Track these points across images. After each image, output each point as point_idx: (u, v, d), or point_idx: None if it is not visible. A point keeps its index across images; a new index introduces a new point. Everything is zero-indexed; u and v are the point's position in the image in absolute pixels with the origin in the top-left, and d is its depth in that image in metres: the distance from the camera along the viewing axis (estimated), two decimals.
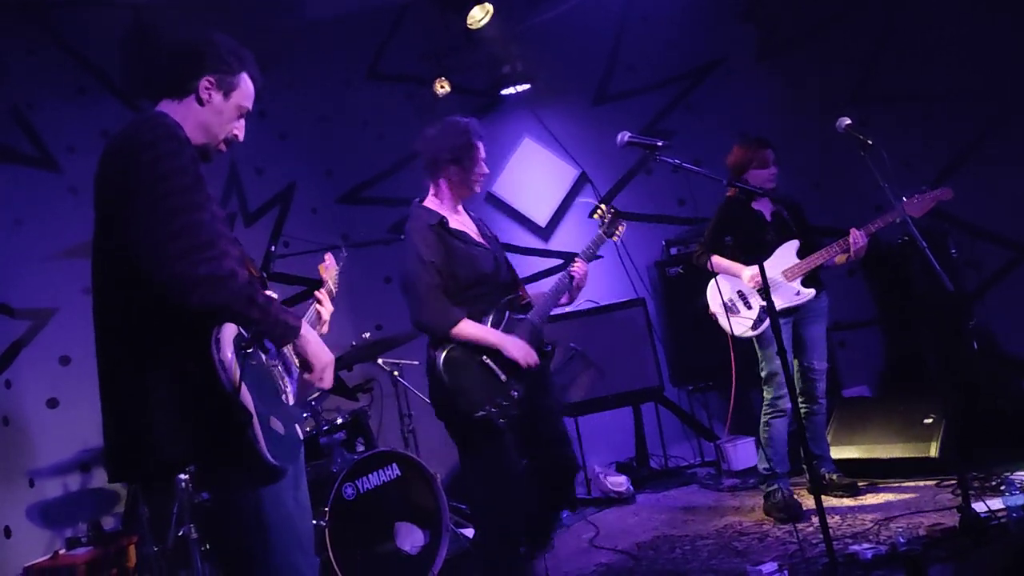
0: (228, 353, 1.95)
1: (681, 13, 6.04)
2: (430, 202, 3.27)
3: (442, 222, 3.17)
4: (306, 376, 2.26)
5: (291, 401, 2.24)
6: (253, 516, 2.08)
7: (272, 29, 5.47)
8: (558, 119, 6.12)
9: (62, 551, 4.31)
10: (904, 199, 3.80)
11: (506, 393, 3.08)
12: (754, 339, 4.18)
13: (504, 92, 5.85)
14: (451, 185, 3.23)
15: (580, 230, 6.12)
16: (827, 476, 4.23)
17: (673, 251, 5.83)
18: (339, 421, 4.44)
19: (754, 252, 4.14)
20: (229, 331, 1.98)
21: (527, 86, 5.82)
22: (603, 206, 3.50)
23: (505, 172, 6.08)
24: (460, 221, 3.27)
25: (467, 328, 3.08)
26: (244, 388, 1.94)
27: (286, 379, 2.25)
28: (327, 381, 2.26)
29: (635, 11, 6.08)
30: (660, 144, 3.12)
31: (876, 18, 5.75)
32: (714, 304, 4.29)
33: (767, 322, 4.05)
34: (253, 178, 5.76)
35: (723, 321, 4.16)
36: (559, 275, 3.39)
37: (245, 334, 2.03)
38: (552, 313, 4.77)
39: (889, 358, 5.70)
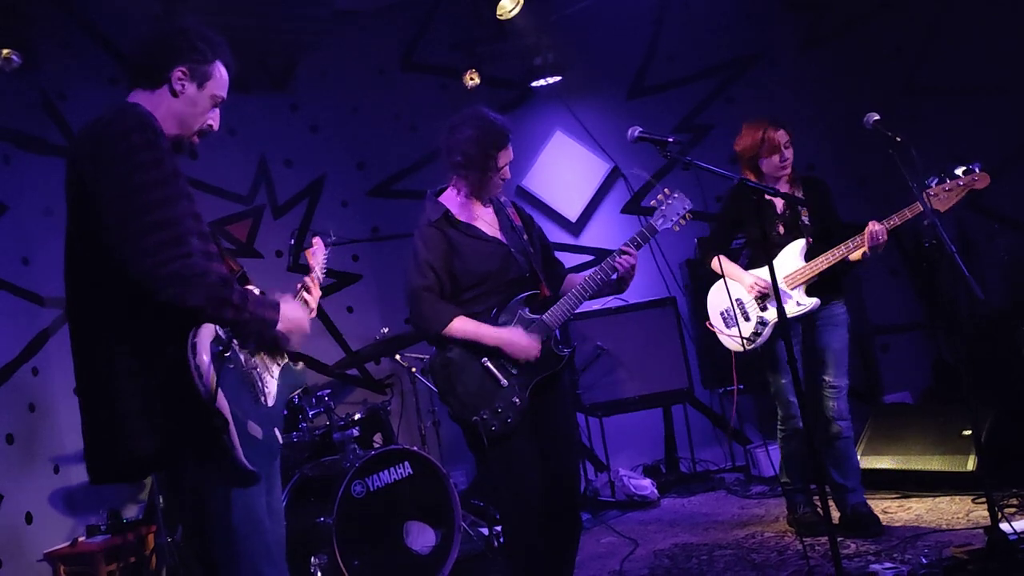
0: (205, 358, 1.91)
1: (721, 2, 5.85)
2: (446, 193, 3.08)
3: (446, 215, 2.99)
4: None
5: (271, 403, 2.19)
6: (222, 522, 2.03)
7: (303, 20, 5.45)
8: (591, 112, 5.98)
9: (82, 538, 4.38)
10: (930, 188, 3.42)
11: (507, 400, 2.90)
12: (761, 352, 3.84)
13: (535, 84, 5.74)
14: (466, 184, 3.02)
15: (612, 225, 5.99)
16: (851, 509, 3.76)
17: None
18: (356, 417, 4.41)
19: (758, 253, 3.86)
20: (206, 334, 1.94)
21: (559, 78, 5.70)
22: (665, 190, 3.17)
23: (536, 166, 5.98)
24: (474, 213, 3.05)
25: (460, 326, 2.91)
26: (220, 394, 1.91)
27: (266, 379, 2.20)
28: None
29: (673, 1, 5.90)
30: (670, 140, 2.95)
31: (926, 6, 5.48)
32: (713, 314, 3.96)
33: (763, 338, 3.76)
34: (283, 170, 5.76)
35: (720, 335, 3.87)
36: (596, 267, 3.04)
37: (223, 335, 1.98)
38: (580, 310, 4.58)
39: (933, 364, 5.44)
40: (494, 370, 2.93)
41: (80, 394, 2.05)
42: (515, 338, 2.92)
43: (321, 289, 2.54)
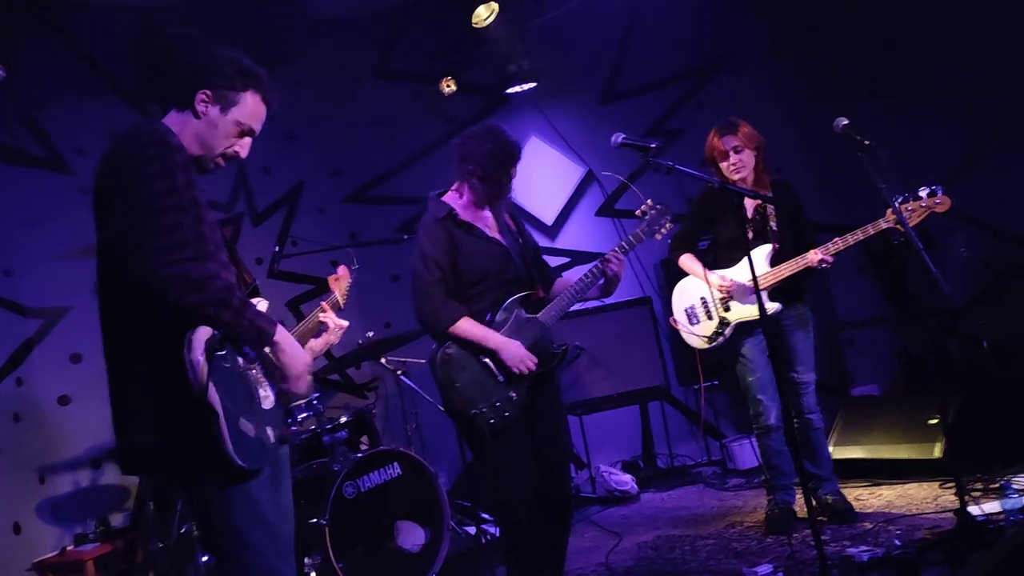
0: (198, 355, 1.99)
1: (691, 8, 6.00)
2: (449, 195, 3.22)
3: (450, 214, 3.13)
4: (281, 385, 2.26)
5: (269, 405, 2.25)
6: (222, 517, 2.12)
7: (279, 29, 5.51)
8: (565, 117, 6.12)
9: (70, 547, 4.39)
10: (896, 204, 3.51)
11: (503, 395, 3.05)
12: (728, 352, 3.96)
13: (510, 91, 5.85)
14: (473, 192, 3.16)
15: (587, 228, 6.12)
16: (826, 498, 3.92)
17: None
18: (343, 420, 4.48)
19: (726, 255, 3.97)
20: (202, 333, 2.03)
21: (533, 84, 5.81)
22: (649, 201, 3.34)
23: None
24: (476, 215, 3.20)
25: (465, 327, 3.06)
26: (212, 389, 1.98)
27: (265, 383, 2.27)
28: (302, 388, 2.27)
29: (644, 7, 6.05)
30: (653, 146, 3.08)
31: (890, 11, 5.67)
32: (677, 311, 4.08)
33: (723, 338, 3.88)
34: (260, 178, 5.81)
35: (683, 332, 4.00)
36: (587, 269, 3.21)
37: (218, 334, 2.07)
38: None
39: (898, 357, 5.64)
40: (492, 366, 3.06)
41: (110, 397, 2.15)
42: (514, 348, 3.06)
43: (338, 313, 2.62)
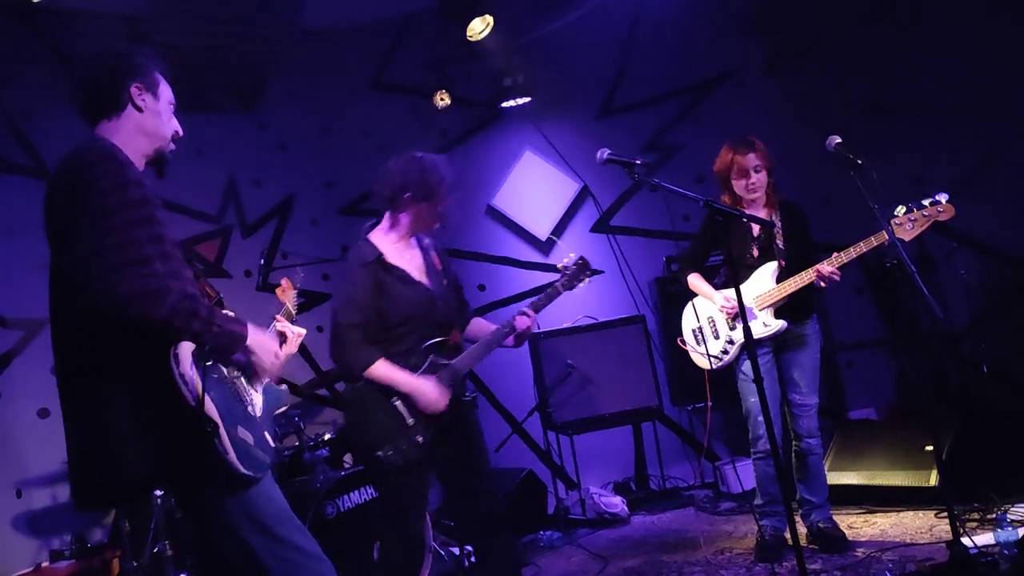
0: (188, 367, 1.98)
1: (689, 25, 5.94)
2: (376, 235, 3.21)
3: (378, 259, 3.13)
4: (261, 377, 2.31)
5: (257, 413, 2.27)
6: (247, 517, 2.11)
7: (272, 40, 5.46)
8: (561, 132, 6.03)
9: (45, 564, 4.30)
10: (896, 217, 3.46)
11: (409, 437, 3.05)
12: (732, 372, 3.89)
13: (505, 104, 5.78)
14: (414, 219, 3.17)
15: (581, 245, 6.02)
16: (818, 525, 3.81)
17: (675, 267, 5.71)
18: (326, 437, 4.39)
19: (730, 275, 3.93)
20: (187, 345, 2.02)
21: (528, 99, 5.74)
22: (571, 254, 3.41)
23: (506, 185, 6.02)
24: (404, 256, 3.21)
25: (380, 370, 3.06)
26: (208, 400, 1.98)
27: (250, 392, 2.28)
28: (274, 374, 2.34)
29: (641, 24, 5.99)
30: (638, 163, 3.01)
31: (888, 31, 5.60)
32: (685, 332, 4.03)
33: (730, 357, 3.82)
34: (251, 190, 5.74)
35: (692, 353, 3.95)
36: (501, 323, 3.29)
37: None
38: (550, 327, 4.76)
39: (896, 380, 5.53)
40: (401, 408, 3.08)
41: (67, 420, 2.08)
42: (426, 390, 3.07)
43: (292, 323, 2.61)
